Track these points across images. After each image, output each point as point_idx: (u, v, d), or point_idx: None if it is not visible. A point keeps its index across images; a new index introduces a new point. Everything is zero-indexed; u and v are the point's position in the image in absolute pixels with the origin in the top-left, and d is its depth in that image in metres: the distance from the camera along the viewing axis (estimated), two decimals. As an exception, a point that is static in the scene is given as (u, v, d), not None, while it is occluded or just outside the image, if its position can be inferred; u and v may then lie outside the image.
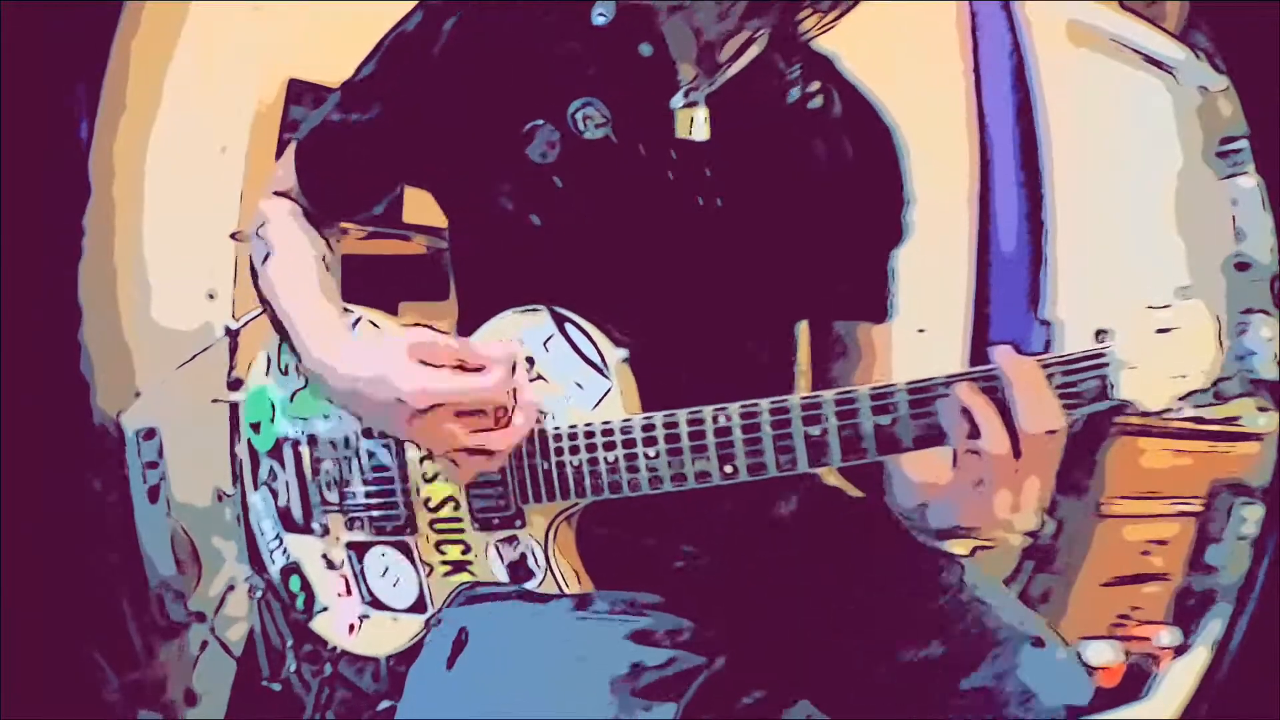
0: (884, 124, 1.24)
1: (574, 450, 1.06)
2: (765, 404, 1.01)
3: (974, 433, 0.95)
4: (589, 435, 1.05)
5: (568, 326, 1.08)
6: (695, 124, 1.14)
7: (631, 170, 1.13)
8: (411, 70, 1.15)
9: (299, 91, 2.19)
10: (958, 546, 1.20)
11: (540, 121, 1.11)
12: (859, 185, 1.21)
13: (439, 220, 1.27)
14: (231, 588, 2.17)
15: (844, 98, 1.22)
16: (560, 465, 1.06)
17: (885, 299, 1.26)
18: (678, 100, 1.13)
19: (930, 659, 1.08)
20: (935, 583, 1.14)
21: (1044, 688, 1.05)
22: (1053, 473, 0.96)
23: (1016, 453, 0.93)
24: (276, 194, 1.26)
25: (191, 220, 2.20)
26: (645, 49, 1.13)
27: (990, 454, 0.94)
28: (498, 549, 1.12)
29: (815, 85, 1.19)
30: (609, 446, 1.04)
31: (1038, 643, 1.09)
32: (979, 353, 2.87)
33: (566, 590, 1.09)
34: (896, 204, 1.25)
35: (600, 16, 1.13)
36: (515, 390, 1.02)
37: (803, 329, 1.26)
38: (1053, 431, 0.93)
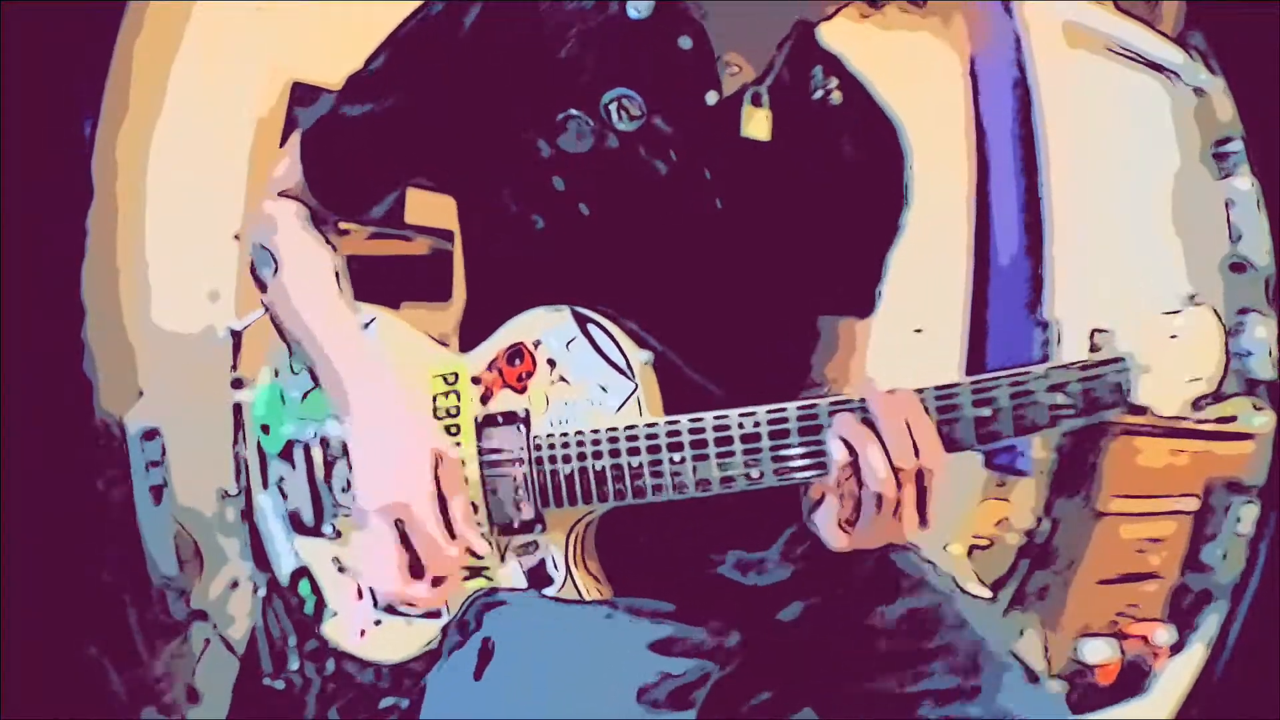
0: (891, 123, 1.24)
1: (597, 455, 1.03)
2: (793, 408, 0.99)
3: (855, 466, 0.96)
4: (613, 439, 1.03)
5: (590, 327, 1.06)
6: (760, 123, 1.13)
7: (649, 172, 1.12)
8: (429, 63, 1.12)
9: (302, 94, 2.19)
10: (955, 545, 1.21)
11: (574, 112, 1.09)
12: (865, 182, 1.21)
13: (441, 221, 1.25)
14: (234, 586, 2.17)
15: (856, 95, 1.22)
16: (583, 470, 1.04)
17: (873, 295, 1.25)
18: (746, 99, 1.12)
19: (924, 690, 1.08)
20: (934, 616, 1.13)
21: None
22: (932, 506, 0.97)
23: (897, 484, 0.94)
24: (281, 195, 1.23)
25: (194, 221, 2.20)
26: (685, 42, 1.11)
27: (870, 483, 0.95)
28: (516, 554, 1.09)
29: (835, 81, 1.19)
30: (633, 451, 1.02)
31: (1032, 678, 1.10)
32: (977, 353, 2.88)
33: (586, 596, 1.07)
34: (897, 203, 1.24)
35: (636, 11, 1.12)
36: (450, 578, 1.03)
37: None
38: (927, 470, 0.94)
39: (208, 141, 2.21)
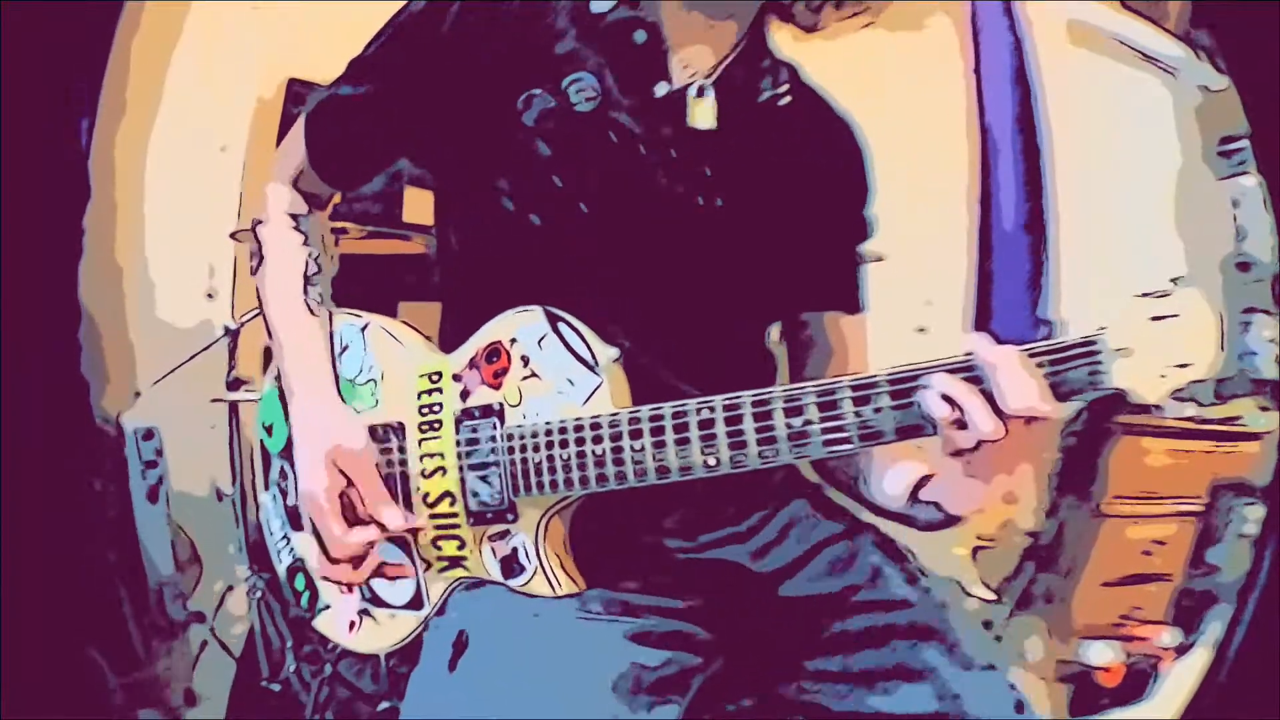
0: (844, 122, 1.27)
1: (564, 444, 1.08)
2: (747, 396, 1.03)
3: (960, 421, 0.95)
4: (578, 428, 1.08)
5: (561, 326, 1.11)
6: (704, 113, 1.17)
7: (615, 165, 1.16)
8: (415, 48, 1.20)
9: (299, 92, 2.19)
10: (958, 547, 1.21)
11: (537, 91, 1.15)
12: (824, 180, 1.24)
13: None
14: (231, 588, 2.17)
15: (808, 100, 1.25)
16: (550, 458, 1.09)
17: (855, 290, 1.28)
18: (692, 90, 1.17)
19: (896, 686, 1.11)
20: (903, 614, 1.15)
21: None
22: (1041, 461, 0.97)
23: (1004, 431, 0.94)
24: (282, 179, 1.30)
25: (191, 220, 2.21)
26: (639, 36, 1.16)
27: (980, 437, 0.94)
28: (490, 544, 1.13)
29: (784, 86, 1.22)
30: (596, 440, 1.07)
31: (1019, 708, 1.10)
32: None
33: (556, 586, 1.11)
34: (860, 198, 1.27)
35: (599, 4, 1.17)
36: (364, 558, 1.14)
37: (774, 327, 1.28)
38: (1038, 418, 0.94)
39: (205, 140, 2.21)
